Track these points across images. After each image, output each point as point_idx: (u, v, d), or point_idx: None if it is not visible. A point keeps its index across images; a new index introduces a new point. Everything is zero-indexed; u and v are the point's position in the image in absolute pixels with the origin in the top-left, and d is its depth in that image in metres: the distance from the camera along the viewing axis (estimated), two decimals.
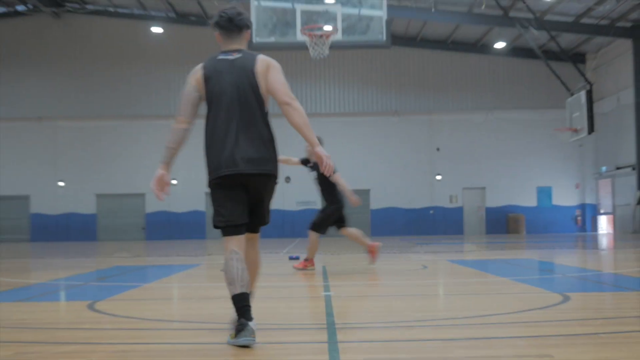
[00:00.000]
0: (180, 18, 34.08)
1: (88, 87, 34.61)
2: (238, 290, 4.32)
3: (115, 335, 4.89)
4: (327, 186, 10.77)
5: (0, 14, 34.43)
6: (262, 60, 4.70)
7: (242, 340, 4.13)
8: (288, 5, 15.95)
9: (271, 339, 4.64)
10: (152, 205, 34.20)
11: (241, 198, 4.57)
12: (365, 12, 16.46)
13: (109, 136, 34.59)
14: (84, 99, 34.59)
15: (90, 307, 6.43)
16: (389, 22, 15.42)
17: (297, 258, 13.97)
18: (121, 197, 34.61)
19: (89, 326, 5.34)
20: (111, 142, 34.54)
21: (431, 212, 34.43)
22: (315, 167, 10.48)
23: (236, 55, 4.61)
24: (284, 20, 16.36)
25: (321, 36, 15.19)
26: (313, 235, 10.83)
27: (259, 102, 4.62)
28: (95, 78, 34.65)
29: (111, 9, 33.77)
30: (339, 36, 15.39)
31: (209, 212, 33.86)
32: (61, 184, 34.50)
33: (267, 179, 4.66)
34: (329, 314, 5.67)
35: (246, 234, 4.64)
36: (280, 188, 22.74)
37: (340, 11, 15.57)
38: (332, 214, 10.91)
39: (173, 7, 33.20)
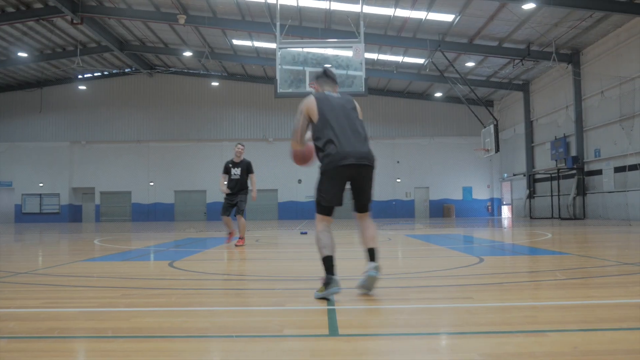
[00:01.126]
0: (230, 76, 34.08)
1: (169, 121, 34.68)
2: (327, 254, 3.94)
3: (185, 283, 4.87)
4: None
5: (114, 73, 34.49)
6: (356, 104, 4.30)
7: (332, 290, 3.73)
8: (300, 68, 15.92)
9: (288, 285, 4.62)
10: (210, 197, 34.17)
11: (343, 189, 4.09)
12: (351, 72, 16.42)
13: (183, 152, 34.60)
14: (167, 128, 34.66)
15: (170, 265, 6.40)
16: (366, 79, 15.40)
17: (306, 233, 13.86)
18: (190, 192, 34.60)
19: (170, 277, 5.33)
20: (184, 156, 34.55)
21: (393, 203, 34.39)
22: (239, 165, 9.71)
23: (337, 94, 4.22)
24: (297, 78, 16.30)
25: None
26: (243, 219, 9.68)
27: (361, 122, 4.17)
28: (174, 115, 34.73)
29: (185, 70, 33.81)
30: None
31: (251, 202, 34.05)
32: (152, 183, 34.49)
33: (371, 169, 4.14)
34: None
35: (359, 214, 4.33)
36: (295, 186, 22.62)
37: (334, 72, 15.54)
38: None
39: (225, 69, 33.21)
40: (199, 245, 10.15)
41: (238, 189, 9.67)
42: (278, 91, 15.29)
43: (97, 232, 16.86)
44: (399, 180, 34.40)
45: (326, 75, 4.34)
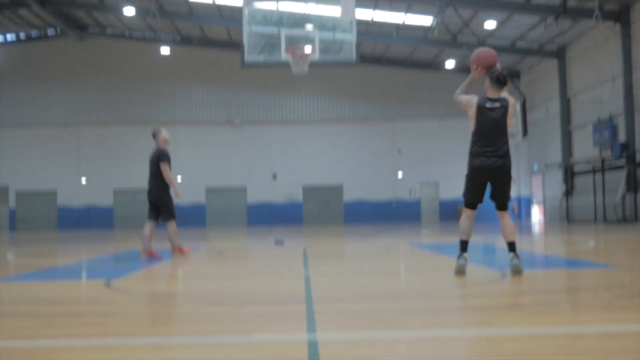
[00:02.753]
0: (185, 40, 33.87)
1: (106, 98, 34.42)
2: (462, 238, 6.35)
3: (126, 308, 4.83)
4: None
5: (33, 37, 34.10)
6: (511, 102, 6.25)
7: (458, 262, 6.22)
8: (274, 30, 15.88)
9: (258, 309, 4.61)
10: None
11: (483, 191, 6.28)
12: (339, 36, 16.45)
13: (124, 139, 34.33)
14: (103, 108, 34.41)
15: (107, 284, 6.35)
16: (358, 45, 15.40)
17: (282, 243, 13.84)
18: (134, 192, 34.37)
19: (106, 301, 5.27)
20: (125, 144, 34.29)
21: (394, 204, 34.52)
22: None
23: (497, 105, 6.17)
24: (271, 43, 16.29)
25: (302, 56, 15.16)
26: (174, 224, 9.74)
27: (506, 133, 6.14)
28: (113, 91, 34.47)
29: (127, 33, 33.51)
30: (316, 56, 15.36)
31: (209, 205, 33.84)
32: (84, 180, 34.20)
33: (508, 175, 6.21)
34: (308, 289, 5.65)
35: (498, 211, 6.40)
36: (269, 183, 22.71)
37: (317, 35, 15.53)
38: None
39: (179, 31, 33.00)
40: (144, 260, 10.07)
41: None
42: (246, 59, 15.26)
43: (11, 244, 16.70)
44: (400, 174, 34.53)
45: (499, 81, 6.25)
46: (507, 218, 6.30)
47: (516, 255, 6.11)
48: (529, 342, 3.29)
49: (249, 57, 16.07)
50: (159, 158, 9.55)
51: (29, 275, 7.74)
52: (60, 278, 7.54)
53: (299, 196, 34.31)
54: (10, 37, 34.08)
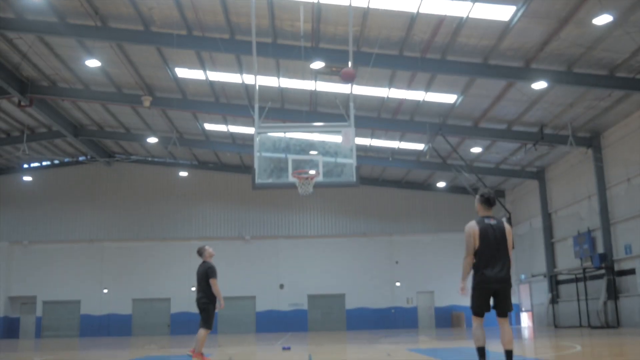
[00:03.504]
0: (201, 165, 34.65)
1: (129, 216, 34.76)
2: (478, 345, 6.25)
3: None
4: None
5: (66, 162, 34.87)
6: (507, 226, 6.41)
7: None
8: (282, 155, 16.30)
9: None
10: (175, 307, 33.59)
11: (488, 300, 6.27)
12: (340, 160, 16.84)
13: (144, 254, 34.34)
14: (125, 225, 34.66)
15: None
16: (357, 168, 15.77)
17: (289, 348, 13.64)
18: (151, 301, 33.99)
19: None
20: (145, 258, 34.26)
21: (392, 311, 33.97)
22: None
23: (494, 222, 6.34)
24: (279, 167, 16.65)
25: (307, 178, 15.46)
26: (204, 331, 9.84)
27: (507, 248, 6.30)
28: (135, 209, 34.86)
29: (149, 159, 34.33)
30: (320, 178, 15.66)
31: (220, 313, 33.43)
32: (105, 290, 33.90)
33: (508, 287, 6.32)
34: None
35: (499, 318, 6.31)
36: (276, 292, 22.50)
37: (321, 160, 15.88)
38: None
39: (196, 157, 33.84)
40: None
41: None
42: (256, 182, 15.54)
43: (36, 351, 16.39)
44: (398, 284, 34.21)
45: (487, 202, 6.51)
46: (507, 326, 6.30)
47: None
48: None
49: (259, 180, 16.38)
50: (208, 273, 10.00)
51: None
52: None
53: (304, 304, 33.84)
54: (46, 163, 34.87)
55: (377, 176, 34.13)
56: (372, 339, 18.87)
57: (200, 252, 10.36)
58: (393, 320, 33.68)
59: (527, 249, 32.35)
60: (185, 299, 33.34)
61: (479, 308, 6.26)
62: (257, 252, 34.23)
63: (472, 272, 6.30)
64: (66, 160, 34.64)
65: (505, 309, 6.29)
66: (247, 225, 34.86)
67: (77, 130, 29.05)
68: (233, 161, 33.95)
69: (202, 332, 9.76)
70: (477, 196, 6.62)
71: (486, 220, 6.36)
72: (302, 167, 16.76)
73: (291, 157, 15.96)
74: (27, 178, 33.90)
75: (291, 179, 16.37)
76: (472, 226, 6.36)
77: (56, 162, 34.80)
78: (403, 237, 34.91)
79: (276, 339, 21.80)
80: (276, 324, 33.13)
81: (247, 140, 27.79)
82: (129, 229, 34.56)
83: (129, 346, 18.35)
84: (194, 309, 31.65)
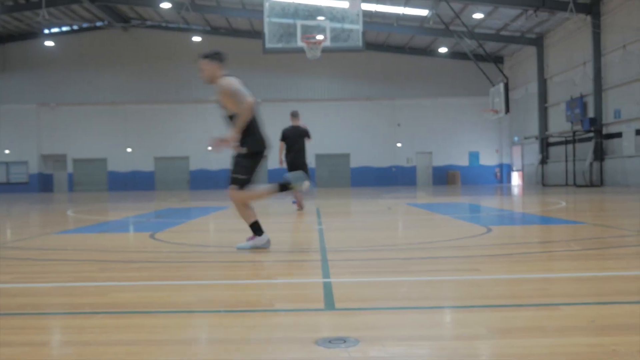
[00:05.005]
0: (213, 30, 33.60)
1: (147, 80, 34.35)
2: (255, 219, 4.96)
3: (168, 256, 4.89)
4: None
5: (85, 28, 33.92)
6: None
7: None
8: (291, 21, 15.69)
9: (280, 257, 4.66)
10: (194, 164, 34.14)
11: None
12: (347, 26, 16.23)
13: (162, 115, 34.37)
14: (144, 89, 34.36)
15: (152, 236, 6.43)
16: (363, 33, 15.20)
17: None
18: (171, 159, 34.49)
19: (151, 250, 5.35)
20: (164, 119, 34.33)
21: (393, 169, 34.46)
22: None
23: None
24: (288, 32, 16.10)
25: (315, 43, 15.01)
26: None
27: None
28: (152, 74, 34.38)
29: (164, 24, 33.29)
30: (328, 43, 15.20)
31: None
32: (129, 149, 34.31)
33: None
34: (321, 240, 5.69)
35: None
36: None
37: (328, 25, 15.35)
38: None
39: (208, 22, 32.73)
40: (181, 216, 10.17)
41: None
42: (266, 46, 15.11)
43: (70, 203, 16.86)
44: (399, 144, 34.40)
45: (220, 59, 5.32)
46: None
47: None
48: (510, 285, 3.32)
49: (269, 44, 15.89)
50: (308, 134, 10.46)
51: (87, 228, 7.84)
52: (112, 231, 7.64)
53: (311, 163, 34.32)
54: (66, 28, 33.91)
55: (381, 42, 33.13)
56: (374, 195, 19.28)
57: (296, 115, 10.58)
58: (393, 178, 34.27)
59: (521, 113, 32.11)
60: (202, 157, 33.86)
61: (250, 179, 5.05)
62: (267, 113, 34.10)
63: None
64: (85, 25, 33.67)
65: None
66: (258, 88, 34.46)
67: None
68: (243, 26, 32.87)
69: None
70: (212, 56, 5.27)
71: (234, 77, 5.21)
72: (311, 32, 16.24)
73: (300, 22, 15.40)
74: (49, 43, 33.09)
75: (300, 43, 15.94)
76: (233, 79, 5.16)
77: (75, 27, 33.85)
78: (405, 101, 34.56)
79: (287, 194, 22.25)
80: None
81: (257, 5, 26.68)
82: (148, 92, 34.33)
83: (154, 199, 18.84)
84: (211, 167, 32.36)
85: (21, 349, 2.29)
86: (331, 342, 2.24)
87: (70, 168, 34.55)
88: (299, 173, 5.14)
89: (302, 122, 10.53)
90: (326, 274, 3.71)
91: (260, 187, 5.04)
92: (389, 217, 9.50)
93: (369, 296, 3.12)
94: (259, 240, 4.89)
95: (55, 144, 34.26)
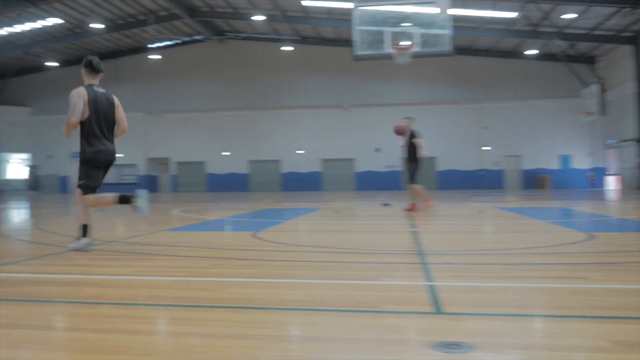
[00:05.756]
0: (303, 39, 34.05)
1: (241, 88, 35.35)
2: (86, 222, 5.24)
3: (273, 255, 4.99)
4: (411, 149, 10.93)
5: (185, 41, 35.42)
6: (116, 99, 5.61)
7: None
8: (380, 28, 15.61)
9: (380, 259, 4.62)
10: (285, 167, 34.74)
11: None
12: (435, 31, 15.95)
13: (256, 121, 35.23)
14: (239, 96, 35.39)
15: (254, 236, 6.58)
16: (452, 38, 14.88)
17: (388, 204, 13.80)
18: (264, 162, 35.27)
19: (256, 248, 5.48)
20: (257, 124, 35.20)
21: (480, 173, 33.48)
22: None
23: (103, 90, 5.41)
24: (377, 39, 16.04)
25: (404, 49, 14.85)
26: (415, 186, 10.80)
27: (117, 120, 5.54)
28: (246, 82, 35.34)
29: (256, 36, 34.15)
30: (416, 49, 15.00)
31: (325, 173, 34.23)
32: (226, 153, 35.44)
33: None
34: (418, 243, 5.60)
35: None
36: (372, 155, 22.53)
37: (417, 31, 15.13)
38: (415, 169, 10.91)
39: (297, 32, 33.24)
40: (278, 216, 10.36)
41: (409, 157, 10.94)
42: (356, 53, 15.12)
43: (174, 203, 17.63)
44: (486, 148, 33.37)
45: (95, 68, 5.37)
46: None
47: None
48: (625, 296, 3.12)
49: (358, 51, 15.89)
50: (417, 135, 11.01)
51: (193, 226, 8.16)
52: (217, 229, 7.91)
53: (397, 166, 34.00)
54: (169, 43, 35.54)
55: (466, 45, 32.27)
56: (463, 198, 18.81)
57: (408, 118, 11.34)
58: (480, 182, 33.28)
59: (617, 114, 30.20)
60: (293, 160, 34.43)
61: (95, 184, 5.32)
62: (355, 119, 34.19)
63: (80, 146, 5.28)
64: (185, 39, 35.18)
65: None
66: (345, 94, 34.60)
67: (192, 12, 29.33)
68: (330, 35, 33.11)
69: (414, 187, 10.73)
70: (84, 62, 5.43)
71: (95, 88, 5.34)
72: (399, 39, 16.11)
73: (388, 29, 15.30)
74: (155, 56, 34.86)
75: (389, 50, 15.84)
76: (81, 91, 5.23)
77: (177, 41, 35.44)
78: (492, 104, 33.47)
79: (374, 196, 22.21)
80: (373, 182, 33.73)
81: (344, 15, 26.77)
82: (242, 99, 35.35)
83: (250, 200, 19.34)
84: (301, 169, 32.76)
85: (151, 337, 2.41)
86: (446, 346, 2.19)
87: (173, 170, 36.21)
88: (144, 192, 5.28)
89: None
90: (429, 277, 3.65)
91: (104, 195, 5.30)
92: (481, 220, 9.22)
93: (477, 301, 3.03)
94: (80, 242, 5.16)
95: (160, 148, 36.07)
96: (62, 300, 3.20)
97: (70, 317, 2.80)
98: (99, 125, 5.25)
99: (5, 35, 29.80)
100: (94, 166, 5.25)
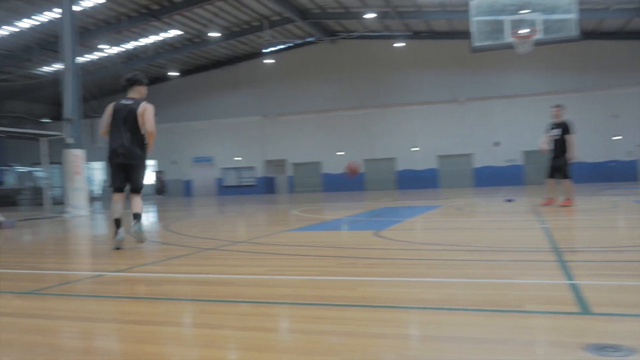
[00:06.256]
0: (415, 34, 33.57)
1: (354, 87, 35.59)
2: (116, 217, 5.91)
3: (398, 253, 4.95)
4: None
5: (298, 44, 36.29)
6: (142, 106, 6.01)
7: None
8: (498, 17, 15.00)
9: (512, 257, 4.43)
10: (400, 165, 34.49)
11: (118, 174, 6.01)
12: (559, 16, 15.05)
13: (370, 119, 35.28)
14: (351, 96, 35.64)
15: (375, 234, 6.58)
16: (578, 22, 13.95)
17: (512, 200, 13.24)
18: (379, 161, 35.22)
19: (379, 247, 5.47)
20: (371, 123, 35.23)
21: (611, 164, 31.09)
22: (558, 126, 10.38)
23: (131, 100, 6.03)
24: (496, 29, 15.44)
25: (526, 37, 14.16)
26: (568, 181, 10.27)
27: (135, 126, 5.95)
28: (358, 81, 35.51)
29: (368, 34, 34.18)
30: (539, 35, 14.24)
31: (441, 169, 33.49)
32: (341, 153, 35.80)
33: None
34: (551, 240, 5.30)
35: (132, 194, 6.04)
36: (491, 149, 21.77)
37: (539, 17, 14.36)
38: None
39: (409, 27, 32.83)
40: (398, 215, 10.29)
41: (558, 151, 10.27)
42: (474, 45, 14.64)
43: (292, 203, 18.12)
44: (617, 137, 30.90)
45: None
46: (134, 199, 6.01)
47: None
48: None
49: (476, 42, 15.39)
50: (570, 129, 10.33)
51: (314, 226, 8.32)
52: (338, 229, 8.00)
53: (517, 160, 32.48)
54: (282, 46, 36.65)
55: (592, 28, 30.08)
56: (592, 192, 17.57)
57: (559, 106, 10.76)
58: (610, 174, 30.90)
59: None
60: (409, 157, 34.08)
61: (112, 183, 6.03)
62: (471, 113, 33.15)
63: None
64: (298, 42, 36.05)
65: (133, 185, 6.02)
66: (461, 88, 33.63)
67: (304, 15, 29.96)
68: (443, 28, 32.34)
69: (567, 182, 10.27)
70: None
71: (122, 100, 6.02)
72: (519, 27, 15.37)
73: (508, 17, 14.66)
74: (268, 61, 36.06)
75: (509, 39, 15.17)
76: (109, 106, 6.08)
77: (290, 44, 36.41)
78: (622, 90, 30.93)
79: (495, 192, 21.41)
80: (492, 178, 32.48)
81: (458, 6, 26.02)
82: (354, 99, 35.56)
83: (366, 199, 19.40)
84: (417, 166, 32.27)
85: (291, 335, 2.47)
86: (601, 349, 2.05)
87: (289, 171, 37.25)
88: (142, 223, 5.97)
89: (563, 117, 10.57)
90: (569, 276, 3.43)
91: (114, 206, 6.03)
92: (617, 215, 8.54)
93: (628, 302, 2.80)
94: (117, 235, 5.84)
95: (276, 150, 37.28)
96: (201, 298, 3.38)
97: (212, 315, 2.95)
98: (116, 132, 5.92)
99: (132, 49, 32.29)
100: (111, 167, 5.98)
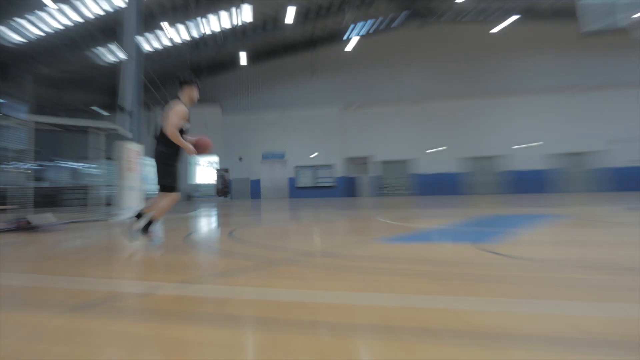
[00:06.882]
0: (521, 14, 32.32)
1: (445, 76, 34.86)
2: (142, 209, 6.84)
3: (516, 272, 4.54)
4: None
5: (381, 30, 36.11)
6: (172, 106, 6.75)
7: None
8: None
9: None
10: (503, 165, 33.35)
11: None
12: None
13: (463, 111, 34.39)
14: (443, 85, 34.90)
15: (482, 248, 6.16)
16: None
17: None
18: (478, 160, 34.21)
19: (488, 262, 5.07)
20: (467, 115, 34.34)
21: None
22: None
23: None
24: (608, 10, 14.55)
25: None
26: None
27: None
28: (449, 69, 34.79)
29: (458, 18, 33.45)
30: None
31: (553, 170, 31.96)
32: (432, 150, 35.04)
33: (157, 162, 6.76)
34: None
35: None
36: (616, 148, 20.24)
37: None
38: None
39: (505, 9, 31.75)
40: (508, 224, 9.74)
41: None
42: (583, 30, 13.82)
43: (377, 208, 17.78)
44: None
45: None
46: (159, 198, 6.68)
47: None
48: None
49: (587, 27, 14.57)
50: None
51: (407, 237, 7.98)
52: (433, 240, 7.63)
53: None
54: (363, 33, 36.53)
55: None
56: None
57: None
58: None
59: None
60: (511, 156, 32.84)
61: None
62: (582, 105, 31.55)
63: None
64: (381, 28, 35.78)
65: (158, 182, 6.65)
66: (568, 76, 32.06)
67: None
68: (547, 9, 30.96)
69: None
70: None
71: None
72: (635, 8, 14.35)
73: None
74: (349, 48, 35.95)
75: (622, 22, 14.19)
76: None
77: (373, 29, 36.18)
78: None
79: (617, 199, 20.15)
80: (610, 181, 30.69)
81: None
82: (446, 88, 34.78)
83: (465, 204, 18.80)
84: (522, 167, 31.13)
85: None
86: None
87: (373, 171, 36.67)
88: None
89: None
90: None
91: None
92: None
93: None
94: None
95: (357, 147, 36.82)
96: (272, 325, 3.17)
97: (285, 347, 2.71)
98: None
99: (197, 38, 33.06)
100: None
